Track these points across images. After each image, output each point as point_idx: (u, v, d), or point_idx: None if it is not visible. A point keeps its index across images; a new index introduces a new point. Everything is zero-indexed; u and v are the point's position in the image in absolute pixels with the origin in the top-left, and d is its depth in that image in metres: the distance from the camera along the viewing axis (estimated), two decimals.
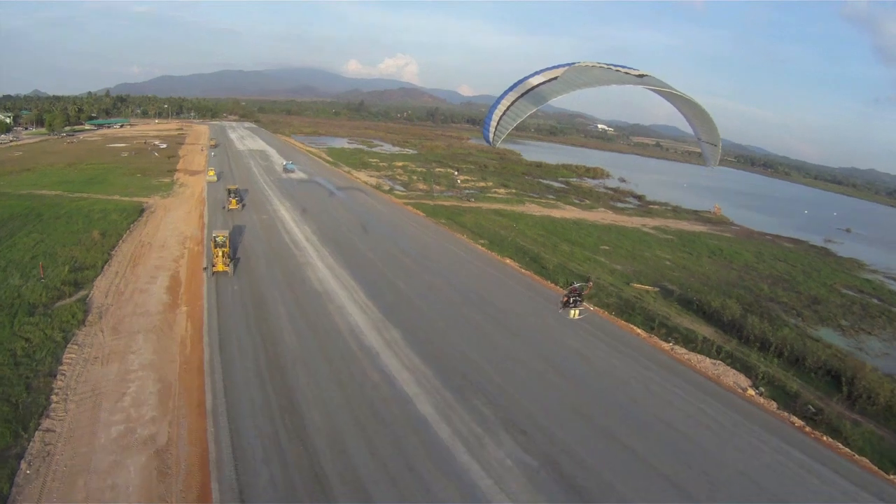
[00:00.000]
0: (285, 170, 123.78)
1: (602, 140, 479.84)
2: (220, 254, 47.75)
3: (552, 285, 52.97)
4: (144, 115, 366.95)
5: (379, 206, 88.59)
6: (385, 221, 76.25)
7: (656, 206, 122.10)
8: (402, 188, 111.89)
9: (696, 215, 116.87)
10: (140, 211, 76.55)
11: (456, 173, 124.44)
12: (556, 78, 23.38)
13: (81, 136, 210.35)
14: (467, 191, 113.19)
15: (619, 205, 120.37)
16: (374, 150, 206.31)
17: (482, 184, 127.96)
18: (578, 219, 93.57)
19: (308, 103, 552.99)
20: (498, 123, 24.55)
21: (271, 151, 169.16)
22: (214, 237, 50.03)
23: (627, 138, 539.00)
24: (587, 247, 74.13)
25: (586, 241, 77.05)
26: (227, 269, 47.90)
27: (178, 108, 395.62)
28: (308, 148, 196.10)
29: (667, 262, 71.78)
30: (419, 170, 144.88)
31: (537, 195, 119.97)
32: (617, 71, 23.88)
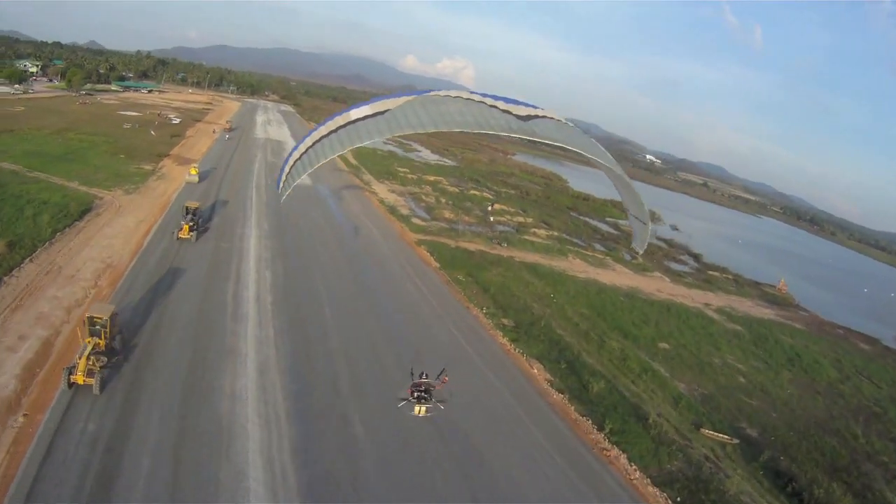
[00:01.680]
0: None
1: (649, 172, 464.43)
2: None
3: (594, 432, 36.08)
4: (183, 81, 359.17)
5: (383, 242, 71.93)
6: (381, 273, 59.25)
7: (716, 273, 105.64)
8: (423, 214, 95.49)
9: (760, 291, 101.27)
10: (84, 211, 61.94)
11: (490, 207, 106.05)
12: (385, 112, 19.49)
13: (100, 97, 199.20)
14: (501, 228, 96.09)
15: (675, 266, 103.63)
16: (408, 155, 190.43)
17: (520, 218, 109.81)
18: (631, 288, 75.78)
19: (357, 92, 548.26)
20: (292, 168, 22.59)
21: (290, 144, 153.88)
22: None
23: (674, 173, 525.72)
24: (642, 342, 56.71)
25: (641, 333, 59.39)
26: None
27: (219, 79, 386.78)
28: None
29: (741, 379, 55.19)
30: (451, 189, 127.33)
31: (583, 243, 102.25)
32: (492, 108, 19.22)
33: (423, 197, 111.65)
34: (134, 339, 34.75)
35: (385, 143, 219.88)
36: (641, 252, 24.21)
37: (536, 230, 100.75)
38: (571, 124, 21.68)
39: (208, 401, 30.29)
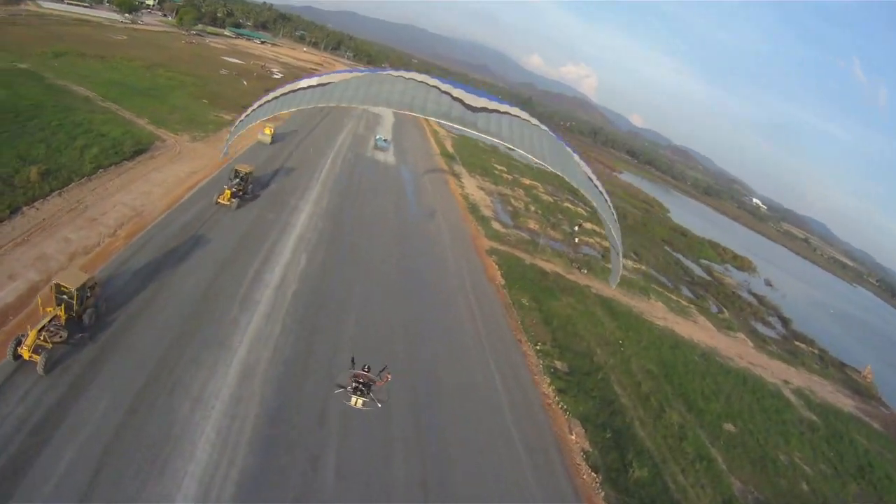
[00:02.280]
0: (376, 145, 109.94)
1: (753, 216, 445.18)
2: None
3: None
4: (301, 39, 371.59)
5: (450, 245, 67.40)
6: (434, 282, 54.72)
7: (802, 345, 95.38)
8: (506, 220, 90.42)
9: (845, 375, 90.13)
10: (139, 151, 61.89)
11: (577, 227, 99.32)
12: (328, 84, 21.05)
13: (209, 39, 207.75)
14: (585, 250, 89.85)
15: (761, 329, 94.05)
16: (511, 153, 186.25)
17: (608, 244, 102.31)
18: (709, 348, 67.57)
19: (477, 81, 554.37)
20: (237, 123, 27.43)
21: (389, 120, 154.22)
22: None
23: (778, 222, 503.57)
24: (707, 419, 48.95)
25: (708, 407, 51.42)
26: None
27: (338, 43, 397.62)
28: (436, 127, 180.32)
29: (804, 486, 46.98)
30: (545, 198, 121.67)
31: (670, 284, 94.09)
32: (443, 94, 19.79)
33: (513, 200, 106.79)
34: (115, 314, 32.14)
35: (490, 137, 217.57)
36: (613, 287, 22.77)
37: (624, 260, 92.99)
38: (545, 128, 21.21)
39: (168, 400, 26.89)
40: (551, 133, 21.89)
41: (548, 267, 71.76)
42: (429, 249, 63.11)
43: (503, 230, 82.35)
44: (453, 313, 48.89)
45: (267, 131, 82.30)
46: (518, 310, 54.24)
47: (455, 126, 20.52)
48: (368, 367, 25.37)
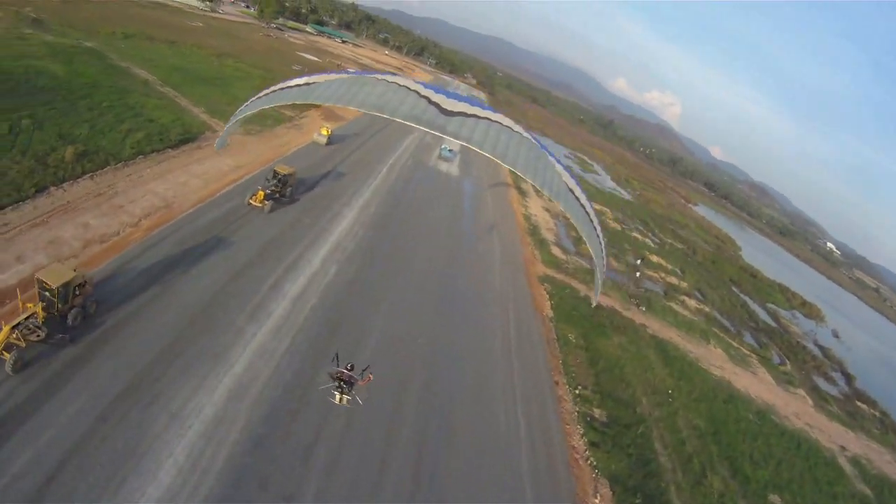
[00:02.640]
0: (440, 155, 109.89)
1: (826, 261, 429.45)
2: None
3: None
4: (384, 42, 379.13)
5: (499, 269, 64.50)
6: (474, 310, 51.52)
7: (864, 406, 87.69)
8: (567, 245, 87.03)
9: None
10: (185, 140, 62.32)
11: (640, 261, 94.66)
12: (312, 83, 22.13)
13: (288, 34, 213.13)
14: (647, 285, 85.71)
15: (823, 385, 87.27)
16: (584, 174, 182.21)
17: (673, 279, 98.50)
18: (766, 404, 61.74)
19: (559, 99, 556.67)
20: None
21: None
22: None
23: (850, 269, 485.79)
24: (751, 489, 43.54)
25: (755, 475, 46.15)
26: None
27: (421, 48, 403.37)
28: None
29: None
30: (612, 225, 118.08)
31: (733, 328, 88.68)
32: (421, 98, 20.56)
33: None
34: (110, 314, 30.96)
35: (567, 155, 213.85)
36: (594, 305, 23.50)
37: (687, 298, 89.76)
38: (526, 136, 21.23)
39: (143, 412, 25.32)
40: (533, 141, 21.73)
41: (604, 300, 67.96)
42: (475, 271, 60.66)
43: (562, 256, 79.33)
44: (487, 345, 45.95)
45: (324, 132, 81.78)
46: (562, 346, 51.07)
47: (433, 132, 20.33)
48: (352, 366, 26.14)
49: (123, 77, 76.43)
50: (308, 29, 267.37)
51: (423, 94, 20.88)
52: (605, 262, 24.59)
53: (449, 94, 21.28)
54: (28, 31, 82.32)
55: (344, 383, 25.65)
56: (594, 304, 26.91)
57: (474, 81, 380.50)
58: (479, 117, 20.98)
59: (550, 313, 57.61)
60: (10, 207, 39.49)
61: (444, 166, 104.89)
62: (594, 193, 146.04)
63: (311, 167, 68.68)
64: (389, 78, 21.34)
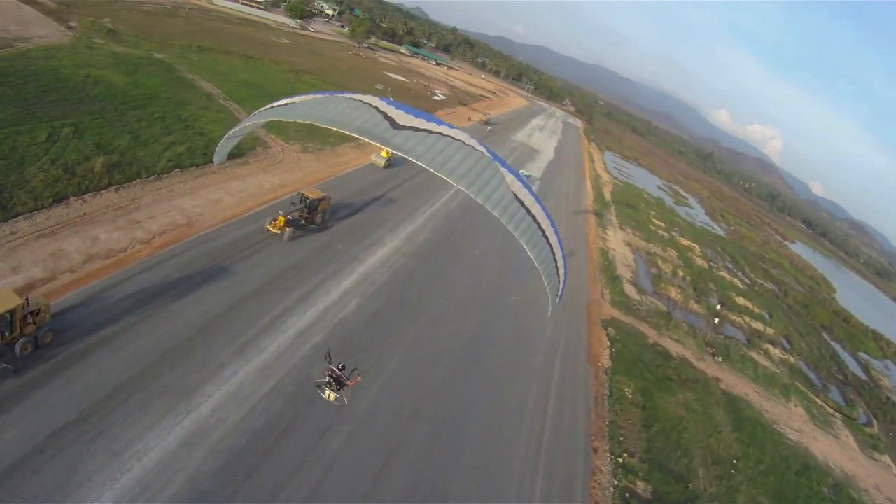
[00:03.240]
0: None
1: None
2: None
3: None
4: (482, 66, 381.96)
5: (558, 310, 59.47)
6: (513, 361, 46.44)
7: None
8: (644, 284, 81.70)
9: None
10: (233, 155, 61.57)
11: (721, 306, 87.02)
12: (289, 103, 24.08)
13: (378, 53, 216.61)
14: (728, 331, 78.69)
15: None
16: (676, 207, 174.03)
17: (759, 325, 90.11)
18: (844, 476, 52.63)
19: (659, 130, 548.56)
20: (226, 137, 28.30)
21: (545, 157, 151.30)
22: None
23: None
24: None
25: None
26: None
27: (519, 74, 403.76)
28: (601, 170, 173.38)
29: None
30: (699, 262, 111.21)
31: (818, 382, 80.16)
32: (378, 113, 21.30)
33: (660, 262, 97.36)
34: (72, 343, 28.99)
35: (662, 186, 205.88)
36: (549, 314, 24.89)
37: (771, 347, 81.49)
38: (480, 148, 21.02)
39: (84, 447, 23.38)
40: (486, 153, 21.29)
41: (675, 349, 62.45)
42: (525, 312, 55.64)
43: (636, 296, 74.02)
44: (515, 404, 40.75)
45: (384, 153, 79.28)
46: (613, 404, 45.95)
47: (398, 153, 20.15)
48: (343, 366, 27.47)
49: (186, 89, 77.58)
50: (402, 50, 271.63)
51: (381, 109, 21.20)
52: (561, 274, 23.65)
53: (406, 110, 21.40)
54: (100, 41, 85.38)
55: (335, 381, 27.03)
56: (549, 314, 24.38)
57: (572, 108, 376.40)
58: (430, 132, 20.85)
59: (607, 363, 52.63)
60: (24, 216, 39.06)
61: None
62: (686, 228, 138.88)
63: (361, 190, 66.77)
64: (357, 97, 21.89)
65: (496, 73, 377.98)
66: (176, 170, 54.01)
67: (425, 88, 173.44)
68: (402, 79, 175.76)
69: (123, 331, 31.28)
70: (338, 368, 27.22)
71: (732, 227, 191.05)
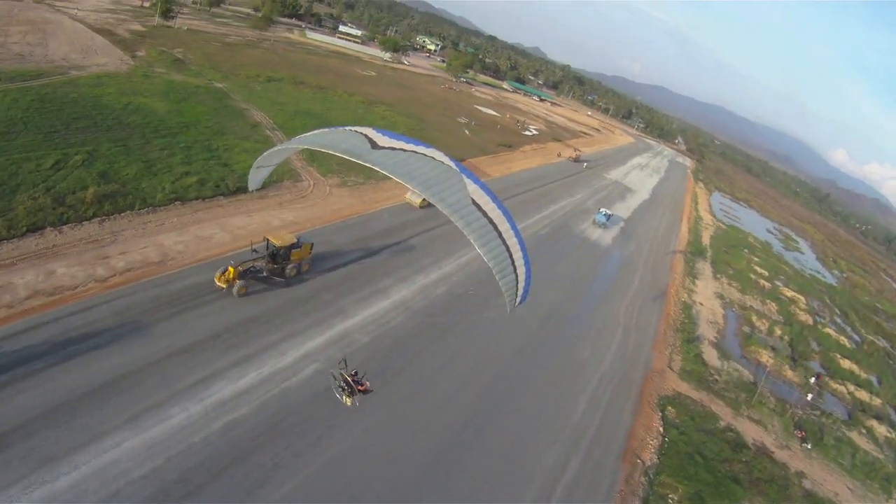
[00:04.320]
0: (595, 221, 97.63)
1: None
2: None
3: None
4: (591, 103, 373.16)
5: (597, 385, 48.40)
6: (508, 458, 35.73)
7: None
8: (729, 347, 69.27)
9: None
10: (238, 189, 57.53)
11: (816, 378, 69.88)
12: (299, 137, 27.48)
13: (476, 88, 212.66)
14: (828, 406, 64.52)
15: None
16: (784, 253, 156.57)
17: (864, 394, 72.99)
18: None
19: (775, 170, 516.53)
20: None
21: (640, 197, 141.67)
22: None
23: None
24: None
25: None
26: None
27: (629, 111, 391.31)
28: (703, 212, 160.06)
29: None
30: (802, 317, 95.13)
31: None
32: (360, 136, 23.87)
33: (755, 318, 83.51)
34: None
35: (772, 229, 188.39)
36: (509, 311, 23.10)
37: (877, 423, 64.95)
38: (449, 164, 22.69)
39: None
40: (453, 167, 22.77)
41: (752, 434, 50.35)
42: (549, 391, 44.88)
43: (716, 363, 62.04)
44: None
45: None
46: None
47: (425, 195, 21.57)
48: (356, 372, 29.53)
49: (232, 118, 74.50)
50: (504, 86, 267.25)
51: (369, 136, 23.29)
52: (520, 274, 23.50)
53: (395, 137, 23.23)
54: (161, 70, 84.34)
55: (348, 386, 28.88)
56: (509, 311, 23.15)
57: (684, 147, 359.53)
58: (404, 150, 22.66)
59: (651, 459, 41.36)
60: None
61: (595, 234, 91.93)
62: (793, 277, 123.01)
63: (384, 232, 59.43)
64: (355, 128, 24.14)
65: (605, 111, 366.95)
66: (177, 202, 49.76)
67: (517, 123, 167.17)
68: (493, 113, 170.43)
69: (15, 380, 26.92)
70: (352, 375, 29.01)
71: (845, 275, 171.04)
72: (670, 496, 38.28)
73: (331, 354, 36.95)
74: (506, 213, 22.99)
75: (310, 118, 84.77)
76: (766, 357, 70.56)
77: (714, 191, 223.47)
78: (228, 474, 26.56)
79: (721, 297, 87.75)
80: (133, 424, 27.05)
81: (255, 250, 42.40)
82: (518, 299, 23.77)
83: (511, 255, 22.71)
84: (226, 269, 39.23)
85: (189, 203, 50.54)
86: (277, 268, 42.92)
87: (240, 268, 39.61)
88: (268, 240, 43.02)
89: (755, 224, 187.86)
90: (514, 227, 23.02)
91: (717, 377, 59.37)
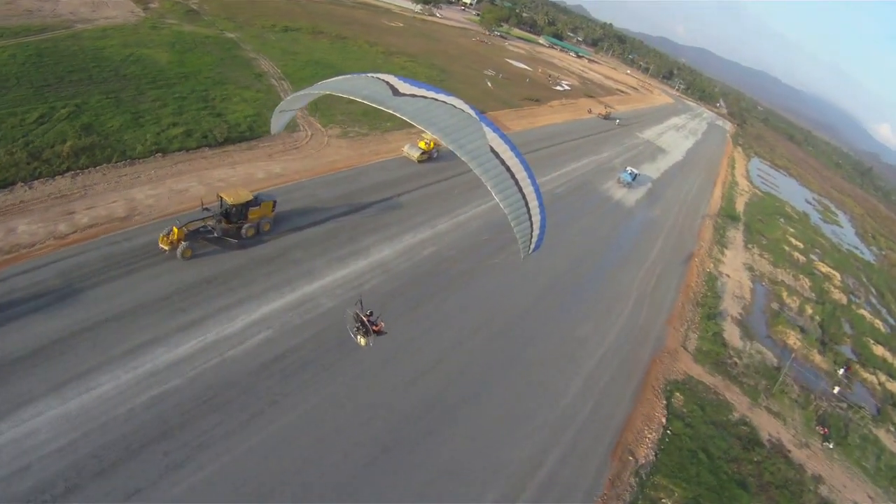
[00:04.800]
0: (619, 179, 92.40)
1: None
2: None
3: None
4: (630, 63, 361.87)
5: (593, 365, 44.04)
6: (489, 443, 32.71)
7: None
8: (755, 325, 64.06)
9: None
10: (243, 138, 55.20)
11: (846, 370, 63.42)
12: (321, 83, 25.95)
13: (510, 42, 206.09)
14: (856, 396, 59.01)
15: None
16: (822, 225, 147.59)
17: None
18: None
19: (818, 140, 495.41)
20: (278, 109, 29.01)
21: (673, 157, 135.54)
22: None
23: None
24: None
25: None
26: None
27: (669, 72, 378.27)
28: (740, 177, 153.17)
29: None
30: (836, 295, 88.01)
31: None
32: (383, 84, 23.30)
33: (785, 294, 77.74)
34: None
35: (811, 200, 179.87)
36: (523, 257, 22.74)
37: None
38: (468, 112, 22.02)
39: None
40: (473, 115, 22.03)
41: (769, 427, 45.82)
42: (540, 371, 40.48)
43: (737, 343, 57.06)
44: None
45: (421, 144, 66.52)
46: None
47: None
48: (371, 313, 28.53)
49: (237, 68, 71.82)
50: (541, 41, 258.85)
51: (391, 83, 22.81)
52: (535, 221, 22.99)
53: (417, 85, 22.79)
54: (172, 21, 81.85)
55: (363, 326, 28.05)
56: (523, 257, 23.67)
57: (725, 111, 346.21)
58: (425, 97, 22.23)
59: (647, 456, 36.93)
60: None
61: (618, 193, 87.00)
62: (827, 250, 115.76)
63: (376, 186, 55.91)
64: (377, 75, 23.50)
65: (645, 70, 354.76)
66: (158, 154, 47.58)
67: (548, 77, 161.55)
68: (524, 67, 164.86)
69: None
70: (367, 315, 28.23)
71: (884, 252, 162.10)
72: (663, 501, 33.87)
73: (287, 320, 34.47)
74: (523, 161, 22.44)
75: (322, 68, 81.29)
76: (793, 339, 65.06)
77: (753, 156, 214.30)
78: (147, 452, 24.26)
79: (751, 269, 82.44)
80: (58, 393, 25.17)
81: (206, 208, 38.93)
82: (532, 246, 23.39)
83: (527, 203, 22.41)
84: (170, 230, 35.87)
85: (171, 155, 48.44)
86: (231, 228, 39.40)
87: (185, 228, 36.21)
88: (221, 197, 39.53)
89: (794, 193, 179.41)
90: (531, 176, 22.52)
91: (736, 360, 54.32)
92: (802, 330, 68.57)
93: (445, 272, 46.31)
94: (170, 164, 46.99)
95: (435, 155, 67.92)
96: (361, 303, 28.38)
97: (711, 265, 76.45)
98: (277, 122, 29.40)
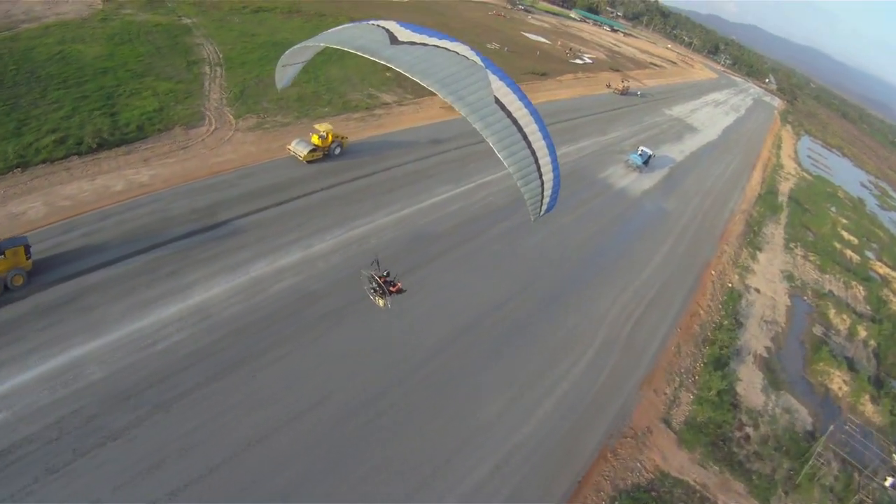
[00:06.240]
0: (627, 162, 79.41)
1: None
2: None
3: None
4: (673, 38, 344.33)
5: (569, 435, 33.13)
6: None
7: None
8: (789, 364, 49.82)
9: None
10: (127, 140, 47.63)
11: None
12: (319, 35, 23.96)
13: (534, 15, 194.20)
14: None
15: None
16: (879, 212, 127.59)
17: None
18: None
19: (873, 118, 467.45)
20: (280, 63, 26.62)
21: (705, 137, 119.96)
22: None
23: None
24: None
25: None
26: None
27: (714, 47, 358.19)
28: (787, 158, 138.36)
29: None
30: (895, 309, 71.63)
31: None
32: (384, 31, 21.24)
33: (833, 311, 62.27)
34: None
35: (861, 185, 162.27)
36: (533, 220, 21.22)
37: None
38: (473, 58, 20.07)
39: None
40: (479, 62, 19.95)
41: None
42: (421, 476, 27.97)
43: (755, 400, 42.32)
44: None
45: (314, 139, 53.00)
46: None
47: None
48: (388, 273, 28.28)
49: (170, 57, 66.47)
50: (572, 14, 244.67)
51: (390, 29, 21.02)
52: (546, 180, 20.87)
53: (420, 31, 20.84)
54: (128, 11, 78.14)
55: (380, 287, 27.40)
56: (533, 220, 20.84)
57: (774, 87, 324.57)
58: (425, 45, 20.33)
59: None
60: None
61: (623, 181, 73.26)
62: (886, 244, 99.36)
63: (250, 195, 44.75)
64: (377, 22, 21.65)
65: (688, 45, 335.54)
66: (18, 169, 40.08)
67: (568, 50, 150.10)
68: (542, 40, 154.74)
69: None
70: (384, 276, 27.70)
71: None
72: None
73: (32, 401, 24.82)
74: (534, 113, 20.23)
75: (278, 49, 72.03)
76: (838, 381, 49.32)
77: (803, 135, 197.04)
78: None
79: (790, 277, 67.11)
80: None
81: None
82: (544, 207, 21.60)
83: (537, 160, 20.47)
84: None
85: (32, 169, 40.87)
86: None
87: None
88: None
89: (847, 175, 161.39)
90: (542, 129, 20.39)
91: (749, 430, 38.97)
92: (851, 365, 52.66)
93: (297, 314, 34.40)
94: (26, 181, 39.90)
95: (337, 152, 54.44)
96: (378, 262, 27.72)
97: (736, 277, 61.58)
98: (282, 75, 27.58)
